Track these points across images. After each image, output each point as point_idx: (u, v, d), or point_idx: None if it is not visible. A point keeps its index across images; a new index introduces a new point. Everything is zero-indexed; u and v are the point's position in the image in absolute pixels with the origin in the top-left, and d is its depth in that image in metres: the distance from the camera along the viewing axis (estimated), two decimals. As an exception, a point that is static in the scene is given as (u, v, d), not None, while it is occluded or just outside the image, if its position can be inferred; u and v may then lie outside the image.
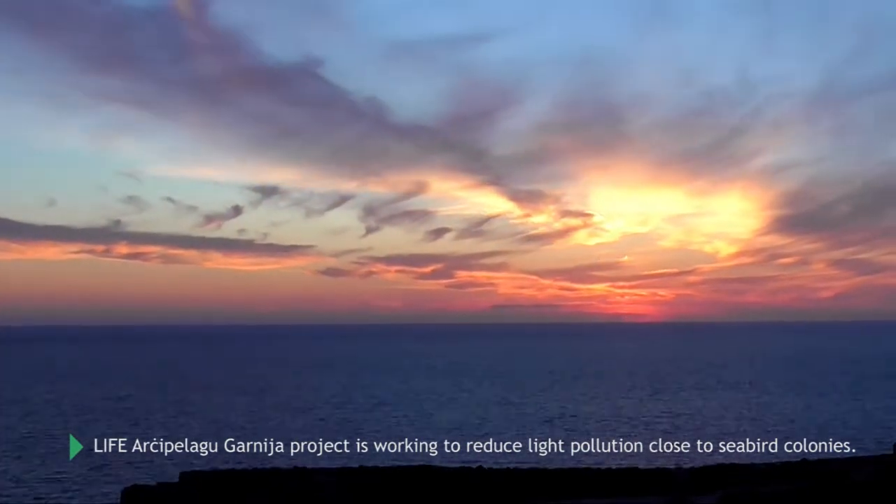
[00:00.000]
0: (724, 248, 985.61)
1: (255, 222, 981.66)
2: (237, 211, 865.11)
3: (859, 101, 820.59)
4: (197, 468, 58.37)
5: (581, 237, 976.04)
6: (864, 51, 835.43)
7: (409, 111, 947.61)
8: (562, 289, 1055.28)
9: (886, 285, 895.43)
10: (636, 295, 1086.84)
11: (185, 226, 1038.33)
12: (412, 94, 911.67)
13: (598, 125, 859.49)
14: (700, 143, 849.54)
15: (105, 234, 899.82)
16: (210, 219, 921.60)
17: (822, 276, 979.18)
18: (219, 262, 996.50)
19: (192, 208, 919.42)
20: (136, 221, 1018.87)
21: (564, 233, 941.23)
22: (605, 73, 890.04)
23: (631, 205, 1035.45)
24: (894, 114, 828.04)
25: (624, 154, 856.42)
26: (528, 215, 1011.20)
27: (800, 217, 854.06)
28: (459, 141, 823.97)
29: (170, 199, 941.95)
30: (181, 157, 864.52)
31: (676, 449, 73.19)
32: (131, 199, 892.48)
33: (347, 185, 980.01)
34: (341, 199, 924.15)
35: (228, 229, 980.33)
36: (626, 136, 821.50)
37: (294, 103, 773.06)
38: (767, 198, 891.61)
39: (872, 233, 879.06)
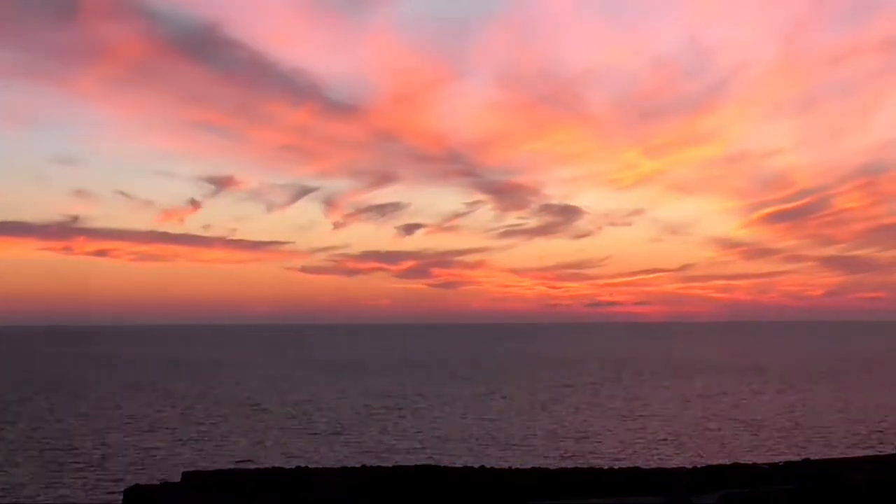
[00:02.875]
0: (710, 245, 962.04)
1: (218, 217, 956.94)
2: (195, 204, 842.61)
3: (827, 71, 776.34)
4: (199, 468, 58.62)
5: (561, 233, 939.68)
6: (821, 12, 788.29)
7: (345, 86, 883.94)
8: (549, 287, 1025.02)
9: (880, 283, 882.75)
10: (624, 293, 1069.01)
11: (145, 221, 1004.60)
12: (342, 65, 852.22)
13: (553, 104, 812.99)
14: (667, 126, 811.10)
15: (64, 231, 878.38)
16: (169, 213, 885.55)
17: (813, 273, 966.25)
18: (190, 258, 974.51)
19: (148, 202, 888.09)
20: (92, 217, 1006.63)
21: (544, 229, 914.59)
22: (545, 39, 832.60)
23: (607, 198, 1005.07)
24: (866, 84, 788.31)
25: (590, 140, 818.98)
26: (502, 209, 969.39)
27: (785, 211, 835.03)
28: (411, 124, 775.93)
29: (122, 193, 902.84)
30: (117, 143, 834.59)
31: (676, 448, 73.45)
32: (81, 194, 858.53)
33: (305, 175, 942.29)
34: (303, 191, 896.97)
35: (193, 224, 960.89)
36: (587, 118, 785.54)
37: (220, 78, 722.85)
38: (749, 190, 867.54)
39: (863, 227, 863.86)
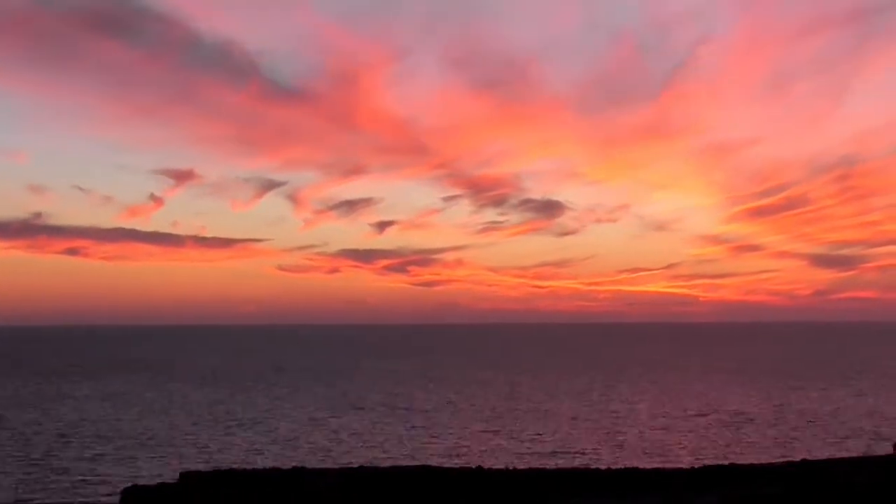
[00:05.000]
0: (695, 242, 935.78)
1: (183, 213, 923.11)
2: (158, 200, 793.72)
3: (795, 47, 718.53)
4: (197, 468, 58.52)
5: (544, 230, 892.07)
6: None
7: (284, 66, 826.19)
8: (534, 287, 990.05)
9: (868, 281, 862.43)
10: (610, 293, 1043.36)
11: (109, 218, 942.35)
12: (273, 39, 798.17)
13: (512, 87, 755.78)
14: (636, 111, 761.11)
15: (28, 229, 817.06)
16: (134, 210, 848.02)
17: (800, 272, 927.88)
18: (164, 258, 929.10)
19: (108, 198, 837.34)
20: (54, 214, 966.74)
21: (526, 226, 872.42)
22: (489, 11, 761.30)
23: (589, 193, 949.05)
24: (838, 61, 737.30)
25: (559, 127, 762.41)
26: (480, 205, 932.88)
27: (767, 206, 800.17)
28: (365, 110, 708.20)
29: (79, 188, 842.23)
30: (58, 133, 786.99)
31: (675, 449, 73.46)
32: (36, 189, 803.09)
33: (265, 167, 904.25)
34: (267, 185, 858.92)
35: (160, 221, 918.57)
36: (551, 103, 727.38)
37: (146, 57, 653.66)
38: (730, 183, 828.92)
39: (846, 223, 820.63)
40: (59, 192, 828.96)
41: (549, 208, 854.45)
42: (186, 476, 41.55)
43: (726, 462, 58.06)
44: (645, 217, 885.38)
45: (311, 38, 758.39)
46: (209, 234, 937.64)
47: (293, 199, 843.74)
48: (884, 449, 69.50)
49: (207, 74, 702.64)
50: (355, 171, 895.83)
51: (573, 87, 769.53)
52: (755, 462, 54.44)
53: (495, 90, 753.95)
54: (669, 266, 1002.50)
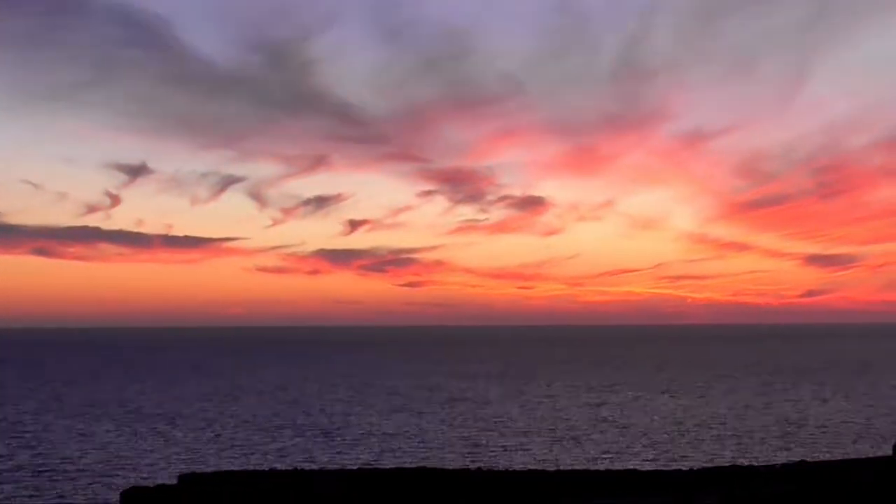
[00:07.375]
0: (679, 240, 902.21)
1: (144, 210, 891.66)
2: (115, 198, 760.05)
3: (751, 19, 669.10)
4: (196, 469, 58.40)
5: (527, 229, 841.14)
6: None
7: (200, 32, 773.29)
8: (519, 288, 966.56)
9: (858, 279, 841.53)
10: (596, 293, 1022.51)
11: (67, 216, 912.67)
12: (179, 4, 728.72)
13: (457, 63, 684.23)
14: (597, 93, 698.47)
15: None
16: (91, 207, 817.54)
17: (788, 272, 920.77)
18: (133, 258, 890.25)
19: (62, 194, 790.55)
20: (9, 212, 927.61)
21: (506, 224, 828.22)
22: None
23: (570, 187, 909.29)
24: (799, 36, 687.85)
25: (516, 112, 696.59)
26: (455, 201, 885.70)
27: (751, 201, 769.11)
28: (306, 90, 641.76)
29: (29, 183, 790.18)
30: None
31: (677, 450, 73.34)
32: None
33: (220, 158, 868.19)
34: (228, 180, 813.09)
35: (122, 219, 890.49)
36: (502, 81, 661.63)
37: (52, 25, 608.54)
38: (712, 176, 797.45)
39: (834, 219, 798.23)
40: (8, 188, 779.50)
41: (530, 205, 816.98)
42: (185, 477, 41.46)
43: (726, 462, 58.07)
44: (629, 215, 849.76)
45: (234, 13, 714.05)
46: (177, 233, 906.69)
47: (255, 195, 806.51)
48: (884, 449, 69.49)
49: (124, 49, 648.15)
50: (317, 163, 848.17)
51: (523, 64, 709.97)
52: (755, 462, 54.44)
53: (440, 70, 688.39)
54: (656, 266, 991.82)
